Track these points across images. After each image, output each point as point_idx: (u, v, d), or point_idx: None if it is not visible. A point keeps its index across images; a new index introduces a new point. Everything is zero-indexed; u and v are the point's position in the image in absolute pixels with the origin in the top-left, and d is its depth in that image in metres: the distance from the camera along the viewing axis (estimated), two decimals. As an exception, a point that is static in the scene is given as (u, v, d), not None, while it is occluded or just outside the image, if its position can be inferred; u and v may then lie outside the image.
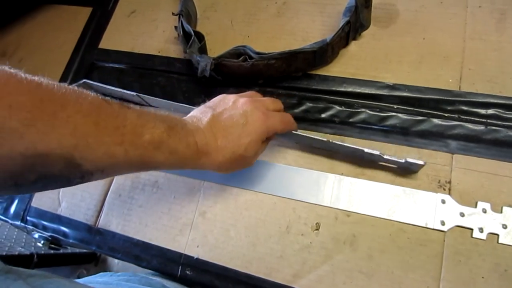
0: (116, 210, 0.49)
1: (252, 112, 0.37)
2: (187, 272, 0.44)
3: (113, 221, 0.48)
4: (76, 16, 0.64)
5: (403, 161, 0.38)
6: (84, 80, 0.53)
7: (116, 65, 0.58)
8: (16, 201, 0.53)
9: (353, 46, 0.49)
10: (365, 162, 0.42)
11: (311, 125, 0.46)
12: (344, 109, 0.46)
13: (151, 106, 0.53)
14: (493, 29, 0.45)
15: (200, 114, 0.38)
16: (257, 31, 0.54)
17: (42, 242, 0.51)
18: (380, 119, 0.44)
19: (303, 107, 0.48)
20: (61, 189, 0.52)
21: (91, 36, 0.62)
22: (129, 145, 0.29)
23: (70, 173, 0.27)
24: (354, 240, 0.39)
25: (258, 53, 0.47)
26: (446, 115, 0.42)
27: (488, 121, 0.41)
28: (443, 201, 0.38)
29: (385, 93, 0.45)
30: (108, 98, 0.30)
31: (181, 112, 0.51)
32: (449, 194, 0.38)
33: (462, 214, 0.37)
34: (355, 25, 0.47)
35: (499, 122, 0.41)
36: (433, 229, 0.37)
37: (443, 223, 0.37)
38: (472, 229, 0.36)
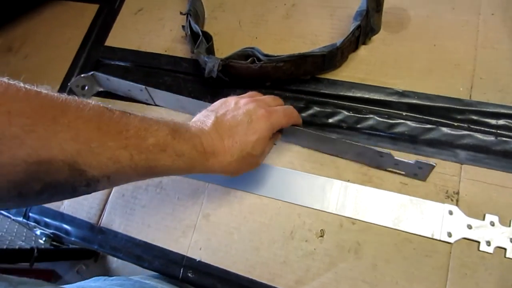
0: (119, 209, 0.48)
1: (255, 110, 0.37)
2: (189, 274, 0.43)
3: (115, 221, 0.48)
4: (82, 12, 0.64)
5: (413, 162, 0.37)
6: (93, 72, 0.53)
7: (122, 63, 0.58)
8: (18, 197, 0.52)
9: (363, 50, 0.49)
10: (372, 169, 0.42)
11: (318, 129, 0.46)
12: (352, 114, 0.46)
13: (157, 105, 0.53)
14: (505, 37, 0.44)
15: (203, 117, 0.38)
16: (266, 33, 0.54)
17: (44, 239, 0.51)
18: (389, 126, 0.44)
19: (310, 111, 0.48)
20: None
21: (97, 33, 0.61)
22: (133, 149, 0.29)
23: (75, 180, 0.26)
24: (358, 249, 0.39)
25: (266, 55, 0.47)
26: (456, 124, 0.42)
27: (499, 131, 0.40)
28: (451, 212, 0.37)
29: (394, 100, 0.45)
30: (110, 106, 0.30)
31: (187, 111, 0.51)
32: (457, 205, 0.38)
33: (469, 226, 0.37)
34: (365, 29, 0.47)
35: (510, 133, 0.40)
36: (440, 241, 0.37)
37: (449, 235, 0.37)
38: (479, 242, 0.36)
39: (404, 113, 0.44)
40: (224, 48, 0.54)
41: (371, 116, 0.45)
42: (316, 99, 0.48)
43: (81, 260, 1.11)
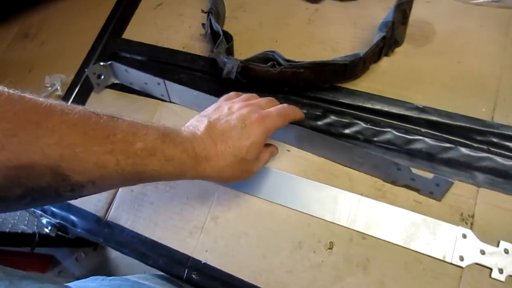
0: (127, 204, 0.48)
1: (249, 115, 0.37)
2: (193, 276, 0.43)
3: (122, 216, 0.48)
4: (101, 3, 0.63)
5: (430, 177, 0.37)
6: (111, 62, 0.53)
7: (138, 57, 0.57)
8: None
9: (385, 62, 0.48)
10: (386, 184, 0.41)
11: (333, 139, 0.45)
12: (370, 126, 0.45)
13: (172, 102, 0.52)
14: (532, 60, 0.44)
15: (196, 122, 0.37)
16: (286, 37, 0.53)
17: (50, 228, 0.51)
18: (406, 142, 0.43)
19: (327, 120, 0.47)
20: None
21: (115, 25, 0.61)
22: (120, 154, 0.28)
23: (58, 185, 0.26)
24: (367, 264, 0.38)
25: (287, 60, 0.46)
26: (476, 145, 0.41)
27: (519, 156, 0.40)
28: (464, 236, 0.37)
29: (413, 115, 0.44)
30: (98, 111, 0.29)
31: (203, 109, 0.50)
32: (471, 229, 0.37)
33: (482, 252, 0.36)
34: (389, 41, 0.46)
35: (530, 159, 0.39)
36: (451, 264, 0.36)
37: (461, 259, 0.36)
38: (491, 269, 0.35)
39: (423, 130, 0.43)
40: (243, 49, 0.54)
41: (389, 130, 0.44)
42: (333, 108, 0.48)
43: (81, 248, 1.11)
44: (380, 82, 0.47)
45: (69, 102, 0.56)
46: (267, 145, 0.41)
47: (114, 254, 1.15)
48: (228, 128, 0.36)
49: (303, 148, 0.46)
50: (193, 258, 0.44)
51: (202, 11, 0.52)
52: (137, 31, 0.59)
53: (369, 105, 0.46)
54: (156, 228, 0.46)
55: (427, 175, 0.37)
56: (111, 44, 0.59)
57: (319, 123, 0.47)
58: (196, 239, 0.44)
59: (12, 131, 0.23)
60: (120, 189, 0.49)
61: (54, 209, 0.50)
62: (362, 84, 0.48)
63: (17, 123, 0.23)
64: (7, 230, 0.83)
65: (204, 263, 0.43)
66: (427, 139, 0.42)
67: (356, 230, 0.40)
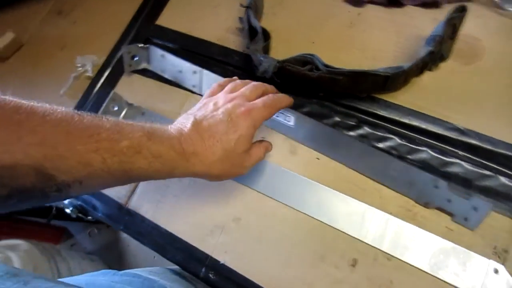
0: (149, 194, 0.48)
1: (234, 108, 0.37)
2: (210, 275, 0.43)
3: (144, 205, 0.48)
4: (138, -14, 0.62)
5: (467, 199, 0.35)
6: (149, 45, 0.54)
7: (170, 45, 0.56)
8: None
9: (427, 76, 0.46)
10: (418, 206, 0.40)
11: (365, 153, 0.44)
12: (405, 143, 0.43)
13: (202, 95, 0.51)
14: None
15: (182, 120, 0.37)
16: (324, 39, 0.51)
17: (71, 209, 0.51)
18: (442, 164, 0.41)
19: (360, 131, 0.45)
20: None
21: (149, 10, 0.60)
22: (105, 152, 0.28)
23: (44, 185, 0.26)
24: (390, 287, 0.38)
25: (326, 66, 0.44)
26: (517, 176, 0.39)
27: (562, 192, 0.38)
28: (496, 271, 0.35)
29: (453, 136, 0.42)
30: (82, 111, 0.29)
31: None
32: (504, 264, 0.36)
33: (514, 289, 0.35)
34: (435, 55, 0.44)
35: None
36: (479, 297, 0.35)
37: (491, 293, 0.35)
38: (521, 308, 0.34)
39: (460, 153, 0.41)
40: (279, 47, 0.52)
41: (425, 149, 0.42)
42: (368, 119, 0.46)
43: (94, 224, 1.13)
44: (420, 97, 0.45)
45: (99, 84, 0.56)
46: (261, 141, 0.41)
47: (124, 234, 1.17)
48: (215, 123, 0.36)
49: (335, 157, 0.45)
50: (212, 257, 0.43)
51: (241, 5, 0.50)
52: (170, 18, 0.58)
53: (406, 120, 0.44)
54: (177, 222, 0.46)
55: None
56: (144, 30, 0.58)
57: (352, 133, 0.45)
58: (216, 238, 0.44)
59: None
60: (143, 179, 0.49)
61: (76, 192, 0.51)
62: (401, 97, 0.46)
63: (3, 117, 0.24)
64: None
65: (222, 264, 0.43)
66: (464, 164, 0.41)
67: (381, 250, 0.39)
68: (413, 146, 0.43)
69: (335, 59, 0.47)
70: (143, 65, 0.55)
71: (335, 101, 0.48)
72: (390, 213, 0.40)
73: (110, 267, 1.07)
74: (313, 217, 0.42)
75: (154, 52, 0.53)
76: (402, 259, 0.38)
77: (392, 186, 0.42)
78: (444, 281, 0.36)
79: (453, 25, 0.43)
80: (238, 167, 0.38)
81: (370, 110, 0.46)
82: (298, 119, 0.47)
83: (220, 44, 0.54)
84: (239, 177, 0.45)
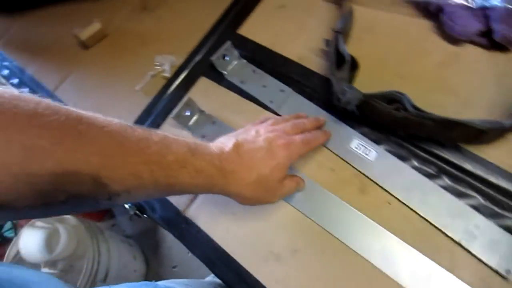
0: (208, 206, 0.48)
1: (275, 138, 0.39)
2: (258, 302, 0.42)
3: (202, 217, 0.47)
4: (226, -9, 0.62)
5: None
6: (245, 61, 0.54)
7: (249, 57, 0.55)
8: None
9: (526, 135, 0.42)
10: (496, 277, 0.36)
11: (444, 207, 0.41)
12: (489, 205, 0.40)
13: (275, 112, 0.50)
14: None
15: (224, 140, 0.39)
16: (413, 75, 0.48)
17: (130, 205, 0.52)
18: (532, 236, 0.37)
19: (439, 181, 0.42)
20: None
21: (233, 17, 0.59)
22: (154, 165, 0.30)
23: (97, 193, 0.28)
24: None
25: (415, 108, 0.42)
26: None
27: None
28: None
29: (548, 208, 0.38)
30: (133, 125, 0.32)
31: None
32: None
33: None
34: (541, 116, 0.40)
35: None
36: None
37: None
38: None
39: (556, 228, 0.37)
40: (362, 76, 0.49)
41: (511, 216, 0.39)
42: (450, 169, 0.43)
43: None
44: (514, 156, 0.41)
45: (174, 86, 0.56)
46: (293, 175, 0.43)
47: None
48: (255, 148, 0.38)
49: (411, 203, 0.42)
50: (262, 284, 0.42)
51: (332, 30, 0.48)
52: (253, 29, 0.57)
53: (493, 179, 0.41)
54: (232, 240, 0.45)
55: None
56: (225, 37, 0.57)
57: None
58: (269, 266, 0.43)
59: (58, 138, 0.25)
60: (205, 190, 0.48)
61: (138, 190, 0.51)
62: (492, 152, 0.42)
63: (62, 132, 0.25)
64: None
65: (272, 294, 0.41)
66: (560, 241, 0.37)
67: (448, 318, 0.36)
68: (499, 210, 0.39)
69: (422, 99, 0.43)
70: (225, 68, 0.54)
71: (416, 144, 0.45)
72: (461, 279, 0.37)
73: (145, 254, 1.09)
74: (375, 266, 0.40)
75: (241, 66, 0.53)
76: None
77: (469, 247, 0.38)
78: None
79: None
80: (270, 194, 0.40)
81: (453, 160, 0.43)
82: (380, 155, 0.45)
83: (301, 64, 0.53)
84: (302, 207, 0.44)
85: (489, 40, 0.46)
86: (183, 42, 0.59)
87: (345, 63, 0.45)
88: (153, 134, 0.32)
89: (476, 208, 0.40)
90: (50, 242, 0.84)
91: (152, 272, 1.11)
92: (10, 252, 0.92)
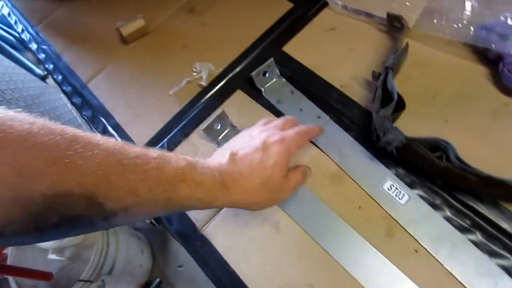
0: (226, 227, 0.46)
1: (268, 137, 0.39)
2: (267, 335, 0.40)
3: (219, 237, 0.46)
4: (275, 6, 0.60)
5: None
6: (285, 80, 0.53)
7: (288, 76, 0.54)
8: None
9: None
10: None
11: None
12: (523, 270, 0.37)
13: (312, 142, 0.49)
14: None
15: (219, 153, 0.40)
16: (460, 122, 0.46)
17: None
18: None
19: (471, 236, 0.40)
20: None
21: (279, 33, 0.58)
22: (152, 181, 0.30)
23: (92, 213, 0.27)
24: None
25: (459, 160, 0.39)
26: None
27: None
28: None
29: None
30: (129, 143, 0.31)
31: (348, 168, 0.46)
32: None
33: None
34: None
35: None
36: None
37: None
38: None
39: None
40: (405, 114, 0.47)
41: (550, 289, 0.36)
42: (485, 226, 0.40)
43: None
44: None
45: (208, 95, 0.55)
46: (297, 166, 0.43)
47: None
48: (251, 152, 0.38)
49: (440, 257, 0.39)
50: (274, 317, 0.41)
51: (384, 65, 0.46)
52: (298, 48, 0.56)
53: (531, 243, 0.38)
54: (247, 266, 0.44)
55: None
56: (269, 52, 0.56)
57: (460, 235, 0.40)
58: (283, 298, 0.41)
59: (53, 159, 0.24)
60: (226, 209, 0.47)
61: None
62: (532, 213, 0.39)
63: (57, 152, 0.25)
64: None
65: (283, 329, 0.40)
66: None
67: None
68: (533, 278, 0.37)
69: (467, 150, 0.41)
70: (263, 85, 0.53)
71: (451, 193, 0.42)
72: None
73: (152, 249, 1.09)
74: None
75: (281, 85, 0.52)
76: None
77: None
78: None
79: None
80: (278, 193, 0.40)
81: (490, 216, 0.40)
82: (412, 199, 0.43)
83: (342, 91, 0.51)
84: (323, 241, 0.43)
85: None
86: (224, 51, 0.58)
87: (391, 102, 0.43)
88: (151, 151, 0.32)
89: (507, 269, 0.38)
90: (60, 228, 0.84)
91: (158, 269, 1.11)
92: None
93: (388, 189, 0.44)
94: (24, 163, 0.23)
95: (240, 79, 0.55)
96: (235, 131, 0.50)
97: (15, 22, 0.73)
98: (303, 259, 0.42)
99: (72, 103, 0.62)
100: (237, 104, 0.53)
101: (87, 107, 0.59)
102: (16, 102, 0.95)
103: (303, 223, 0.44)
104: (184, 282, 1.13)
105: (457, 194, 0.42)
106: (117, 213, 0.28)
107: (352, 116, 0.49)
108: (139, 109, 0.57)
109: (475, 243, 0.40)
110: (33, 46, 0.69)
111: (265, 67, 0.51)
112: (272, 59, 0.51)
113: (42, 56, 0.67)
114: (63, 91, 0.64)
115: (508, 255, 0.38)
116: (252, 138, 0.40)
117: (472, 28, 0.47)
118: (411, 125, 0.45)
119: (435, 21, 0.49)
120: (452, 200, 0.42)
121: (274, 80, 0.53)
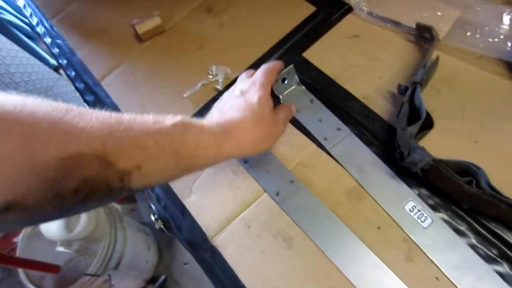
0: (238, 239, 0.45)
1: (243, 85, 0.43)
2: None
3: (229, 248, 0.44)
4: (296, 8, 0.57)
5: None
6: (297, 78, 0.51)
7: (308, 83, 0.51)
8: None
9: None
10: None
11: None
12: (554, 310, 0.35)
13: (326, 151, 0.46)
14: None
15: (207, 117, 0.42)
16: (488, 143, 0.43)
17: (155, 217, 0.50)
18: None
19: (498, 267, 0.38)
20: (197, 179, 0.49)
21: (300, 38, 0.55)
22: (157, 134, 0.31)
23: (107, 173, 0.27)
24: None
25: (491, 187, 0.37)
26: None
27: None
28: None
29: None
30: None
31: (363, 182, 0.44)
32: None
33: None
34: None
35: None
36: None
37: None
38: None
39: None
40: (432, 134, 0.44)
41: None
42: (512, 256, 0.38)
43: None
44: None
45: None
46: (280, 105, 0.46)
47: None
48: (235, 103, 0.41)
49: (460, 282, 0.37)
50: (282, 338, 0.39)
51: (413, 80, 0.43)
52: (319, 55, 0.53)
53: None
54: (257, 279, 0.42)
55: None
56: (288, 57, 0.54)
57: (485, 265, 0.38)
58: (293, 320, 0.39)
59: (56, 122, 0.25)
60: (238, 219, 0.45)
61: (168, 203, 0.49)
62: None
63: (58, 116, 0.25)
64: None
65: None
66: None
67: None
68: None
69: (494, 171, 0.38)
70: (289, 90, 0.51)
71: (478, 219, 0.40)
72: None
73: (159, 245, 1.09)
74: None
75: (301, 94, 0.49)
76: None
77: None
78: None
79: None
80: (274, 126, 0.42)
81: (518, 246, 0.38)
82: (435, 223, 0.40)
83: (364, 103, 0.48)
84: (337, 260, 0.41)
85: None
86: (241, 54, 0.56)
87: (418, 119, 0.41)
88: (145, 114, 0.32)
89: (537, 309, 0.35)
90: (69, 222, 0.85)
91: (163, 265, 1.11)
92: (28, 223, 0.93)
93: (410, 210, 0.42)
94: (29, 129, 0.24)
95: (257, 84, 0.53)
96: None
97: (31, 15, 0.72)
98: (316, 279, 0.41)
99: (85, 101, 0.61)
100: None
101: (99, 105, 0.58)
102: (29, 95, 0.95)
103: (317, 240, 0.43)
104: (189, 280, 1.12)
105: (484, 220, 0.40)
106: (131, 171, 0.28)
107: (374, 130, 0.47)
108: (152, 110, 0.55)
109: (502, 275, 0.37)
110: (47, 40, 0.68)
111: (284, 73, 0.49)
112: (292, 65, 0.49)
113: (56, 50, 0.66)
114: (76, 88, 0.62)
115: (536, 289, 0.36)
116: (229, 93, 0.44)
117: (509, 44, 0.44)
118: (436, 144, 0.42)
119: (468, 33, 0.46)
120: (478, 227, 0.40)
121: (293, 87, 0.51)
